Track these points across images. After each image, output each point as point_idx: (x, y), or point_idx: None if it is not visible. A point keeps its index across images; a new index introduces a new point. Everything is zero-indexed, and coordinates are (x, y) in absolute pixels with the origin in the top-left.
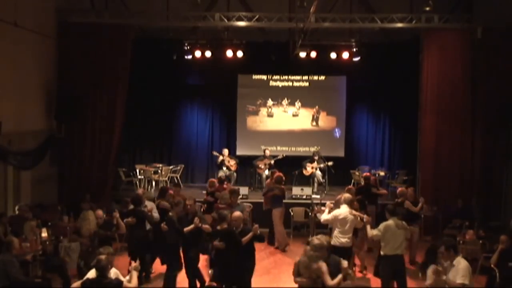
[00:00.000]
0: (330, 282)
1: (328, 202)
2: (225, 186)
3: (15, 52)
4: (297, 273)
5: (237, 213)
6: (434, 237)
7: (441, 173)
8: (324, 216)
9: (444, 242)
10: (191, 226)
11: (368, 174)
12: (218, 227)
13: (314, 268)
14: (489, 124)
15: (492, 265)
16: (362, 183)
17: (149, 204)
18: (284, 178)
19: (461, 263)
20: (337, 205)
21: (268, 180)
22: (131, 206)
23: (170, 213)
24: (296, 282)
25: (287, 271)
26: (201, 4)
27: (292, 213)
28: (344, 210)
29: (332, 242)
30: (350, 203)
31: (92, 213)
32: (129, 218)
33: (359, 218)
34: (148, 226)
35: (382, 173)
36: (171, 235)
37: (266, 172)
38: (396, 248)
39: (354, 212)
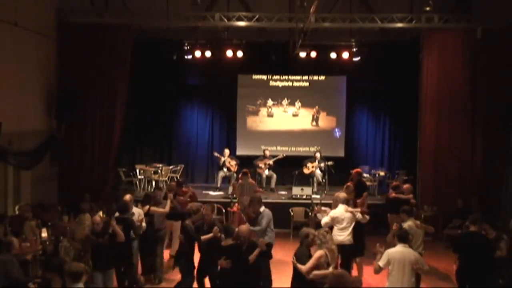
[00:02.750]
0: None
1: (327, 210)
2: (184, 189)
3: (15, 52)
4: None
5: (244, 227)
6: (435, 237)
7: (441, 173)
8: (324, 220)
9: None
10: (210, 235)
11: (359, 170)
12: (223, 243)
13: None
14: (489, 124)
15: None
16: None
17: (137, 212)
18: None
19: None
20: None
21: (240, 181)
22: (117, 214)
23: (187, 221)
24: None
25: (286, 271)
26: (201, 4)
27: (292, 213)
28: (340, 209)
29: None
30: (345, 202)
31: (89, 217)
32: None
33: (357, 214)
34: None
35: (382, 173)
36: (185, 244)
37: (266, 172)
38: (417, 247)
39: (349, 209)
